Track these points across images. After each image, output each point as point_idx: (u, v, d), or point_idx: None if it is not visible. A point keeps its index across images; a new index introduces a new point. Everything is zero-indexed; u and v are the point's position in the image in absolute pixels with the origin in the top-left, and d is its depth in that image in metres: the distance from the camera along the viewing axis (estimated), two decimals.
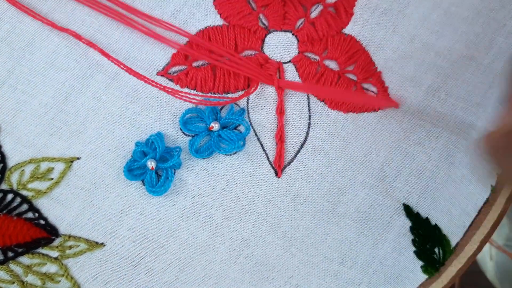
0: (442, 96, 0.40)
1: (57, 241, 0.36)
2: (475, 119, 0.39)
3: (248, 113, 0.39)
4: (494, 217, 0.39)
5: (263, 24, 0.40)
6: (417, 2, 0.40)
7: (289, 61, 0.39)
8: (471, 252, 0.39)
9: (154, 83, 0.36)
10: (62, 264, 0.36)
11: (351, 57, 0.39)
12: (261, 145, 0.38)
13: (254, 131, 0.38)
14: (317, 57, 0.39)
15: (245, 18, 0.39)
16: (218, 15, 0.39)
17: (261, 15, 0.40)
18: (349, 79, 0.39)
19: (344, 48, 0.39)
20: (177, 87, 0.38)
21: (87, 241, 0.36)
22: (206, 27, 0.39)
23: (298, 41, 0.40)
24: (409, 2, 0.40)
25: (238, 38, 0.39)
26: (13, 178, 0.36)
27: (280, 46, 0.39)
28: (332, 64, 0.39)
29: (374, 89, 0.39)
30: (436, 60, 0.40)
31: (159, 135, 0.37)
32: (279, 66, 0.39)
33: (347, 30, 0.40)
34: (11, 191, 0.36)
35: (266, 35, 0.39)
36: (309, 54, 0.39)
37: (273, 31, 0.39)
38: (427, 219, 0.38)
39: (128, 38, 0.38)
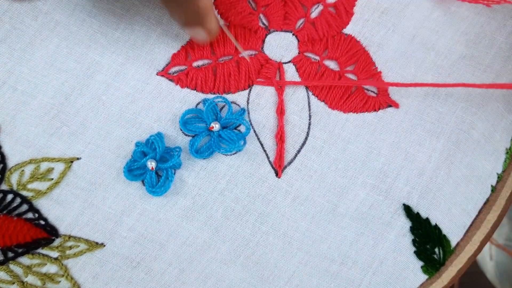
0: (443, 96, 0.39)
1: (57, 242, 0.36)
2: (475, 119, 0.39)
3: (249, 113, 0.38)
4: (495, 217, 0.39)
5: (264, 24, 0.39)
6: (417, 2, 0.40)
7: (290, 61, 0.39)
8: (472, 252, 0.39)
9: None
10: (62, 264, 0.35)
11: (352, 57, 0.39)
12: (261, 145, 0.38)
13: (254, 131, 0.38)
14: (318, 57, 0.39)
15: (246, 18, 0.39)
16: (219, 15, 0.39)
17: (261, 15, 0.39)
18: (349, 79, 0.39)
19: (344, 48, 0.39)
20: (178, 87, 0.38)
21: (87, 241, 0.36)
22: None
23: (298, 41, 0.39)
24: (409, 2, 0.40)
25: (239, 38, 0.39)
26: (13, 179, 0.36)
27: (281, 46, 0.39)
28: (332, 64, 0.39)
29: (374, 89, 0.39)
30: (436, 60, 0.40)
31: (159, 135, 0.37)
32: (279, 66, 0.39)
33: (347, 30, 0.40)
34: (11, 191, 0.36)
35: (266, 35, 0.39)
36: (310, 54, 0.39)
37: (274, 31, 0.39)
38: (427, 219, 0.38)
39: (128, 38, 0.38)
